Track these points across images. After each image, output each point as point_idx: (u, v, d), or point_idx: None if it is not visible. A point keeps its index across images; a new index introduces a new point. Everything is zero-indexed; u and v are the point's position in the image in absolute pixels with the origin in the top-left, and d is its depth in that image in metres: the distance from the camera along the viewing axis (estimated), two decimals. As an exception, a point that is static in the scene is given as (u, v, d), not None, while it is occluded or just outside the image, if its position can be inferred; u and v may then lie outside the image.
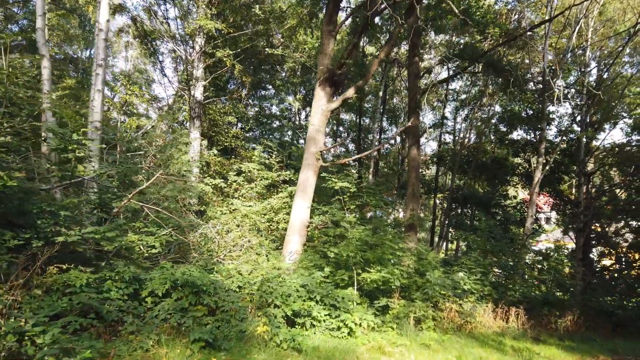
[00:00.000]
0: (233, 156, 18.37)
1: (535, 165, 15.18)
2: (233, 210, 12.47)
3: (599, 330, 11.15)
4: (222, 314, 5.76)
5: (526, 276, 13.41)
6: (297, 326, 6.58)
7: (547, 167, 15.30)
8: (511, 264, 12.99)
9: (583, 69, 16.98)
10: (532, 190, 14.87)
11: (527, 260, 14.18)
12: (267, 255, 10.08)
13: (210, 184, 13.84)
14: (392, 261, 9.98)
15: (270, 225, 12.69)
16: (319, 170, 11.05)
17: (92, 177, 7.73)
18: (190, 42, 16.53)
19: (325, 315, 6.81)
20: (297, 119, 29.63)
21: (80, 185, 8.45)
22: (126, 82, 17.99)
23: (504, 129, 19.34)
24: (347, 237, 9.92)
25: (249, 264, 8.50)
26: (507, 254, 12.95)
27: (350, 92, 10.96)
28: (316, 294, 7.00)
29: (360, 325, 7.08)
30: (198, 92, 16.03)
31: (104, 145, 9.46)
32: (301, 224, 10.63)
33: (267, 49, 17.44)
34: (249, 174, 14.27)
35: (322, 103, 11.00)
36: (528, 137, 18.77)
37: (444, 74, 21.68)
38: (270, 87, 24.71)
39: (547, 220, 24.79)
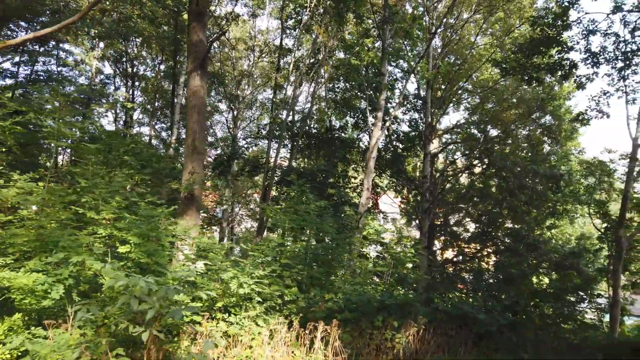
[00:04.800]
0: None
1: (374, 122, 11.32)
2: None
3: (457, 347, 7.21)
4: None
5: (358, 271, 9.33)
6: None
7: (388, 123, 11.64)
8: (336, 258, 8.63)
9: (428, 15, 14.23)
10: (369, 154, 10.95)
11: (361, 250, 10.22)
12: None
13: None
14: (94, 247, 4.48)
15: None
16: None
17: None
18: None
19: None
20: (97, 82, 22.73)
21: None
22: None
23: (343, 87, 15.64)
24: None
25: None
26: (332, 237, 8.64)
27: None
28: None
29: None
30: None
31: None
32: None
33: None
34: None
35: None
36: (366, 100, 15.31)
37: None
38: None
39: (388, 219, 22.25)
